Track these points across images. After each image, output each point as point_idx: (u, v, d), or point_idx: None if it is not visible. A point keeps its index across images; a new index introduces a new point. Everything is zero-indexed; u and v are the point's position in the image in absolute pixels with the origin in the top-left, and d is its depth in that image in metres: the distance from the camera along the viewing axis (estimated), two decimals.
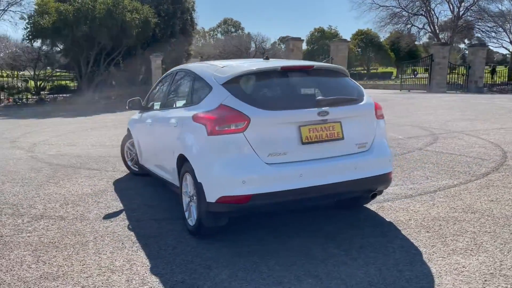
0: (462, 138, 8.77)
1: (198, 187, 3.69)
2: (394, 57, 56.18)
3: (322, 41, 56.49)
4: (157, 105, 5.55)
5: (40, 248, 3.84)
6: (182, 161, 4.05)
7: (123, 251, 3.75)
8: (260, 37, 59.66)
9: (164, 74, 5.63)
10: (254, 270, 3.31)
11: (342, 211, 4.56)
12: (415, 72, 30.35)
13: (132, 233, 4.17)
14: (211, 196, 3.57)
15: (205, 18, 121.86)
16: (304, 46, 45.10)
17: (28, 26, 21.38)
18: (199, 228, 3.85)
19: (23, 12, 30.48)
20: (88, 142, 9.99)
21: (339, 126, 3.78)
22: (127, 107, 5.87)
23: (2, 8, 31.84)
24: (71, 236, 4.12)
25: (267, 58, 4.43)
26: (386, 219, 4.34)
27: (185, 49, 27.04)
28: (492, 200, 4.82)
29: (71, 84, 28.44)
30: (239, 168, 3.50)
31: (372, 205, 4.75)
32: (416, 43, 55.84)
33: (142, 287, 3.11)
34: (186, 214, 4.09)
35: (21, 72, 33.09)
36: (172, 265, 3.45)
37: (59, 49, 24.65)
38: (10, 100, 23.00)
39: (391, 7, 44.73)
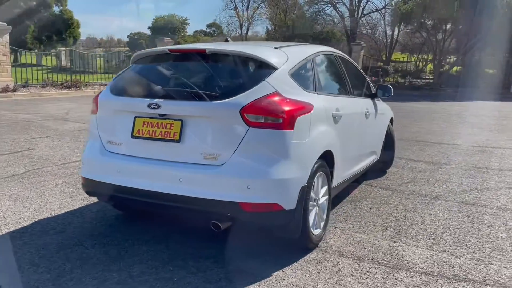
0: None
1: None
2: None
3: None
4: None
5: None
6: None
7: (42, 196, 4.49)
8: None
9: None
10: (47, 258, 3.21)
11: (273, 249, 3.43)
12: None
13: None
14: None
15: None
16: None
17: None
18: None
19: None
20: None
21: (179, 126, 3.02)
22: None
23: None
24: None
25: (226, 40, 3.80)
26: (271, 272, 3.03)
27: None
28: None
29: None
30: (86, 149, 3.52)
31: (315, 252, 3.32)
32: None
33: None
34: None
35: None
36: (56, 221, 3.97)
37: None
38: (374, 79, 25.15)
39: None
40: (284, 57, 3.34)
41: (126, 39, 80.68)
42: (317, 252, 3.35)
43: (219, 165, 2.93)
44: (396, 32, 34.66)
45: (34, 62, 25.94)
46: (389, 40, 34.45)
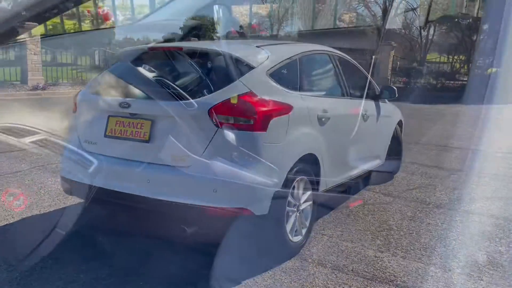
0: None
1: None
2: None
3: None
4: None
5: None
6: None
7: None
8: None
9: None
10: None
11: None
12: None
13: None
14: None
15: None
16: None
17: None
18: None
19: None
20: None
21: (149, 126, 2.95)
22: None
23: None
24: None
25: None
26: (241, 280, 2.90)
27: None
28: None
29: None
30: (68, 148, 3.50)
31: (293, 260, 3.16)
32: None
33: None
34: None
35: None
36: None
37: None
38: (404, 80, 24.50)
39: None
40: (264, 56, 3.21)
41: (161, 39, 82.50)
42: (295, 260, 3.20)
43: (187, 167, 2.83)
44: (431, 32, 33.67)
45: (70, 61, 26.74)
46: (423, 41, 33.48)
